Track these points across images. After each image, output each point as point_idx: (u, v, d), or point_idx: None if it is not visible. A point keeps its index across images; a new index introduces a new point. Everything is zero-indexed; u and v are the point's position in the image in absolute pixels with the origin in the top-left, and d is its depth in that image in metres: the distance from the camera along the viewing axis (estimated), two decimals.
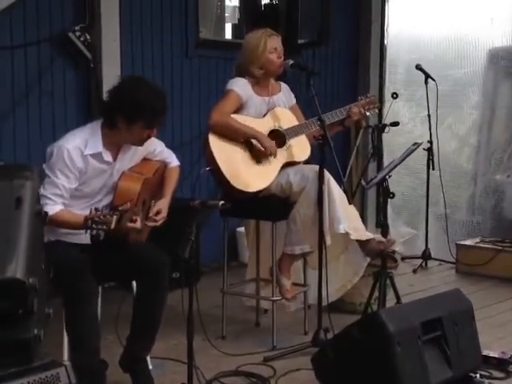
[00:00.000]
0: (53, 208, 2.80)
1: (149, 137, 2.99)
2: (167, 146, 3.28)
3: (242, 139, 3.57)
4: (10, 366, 2.03)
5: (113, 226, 2.56)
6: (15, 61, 4.20)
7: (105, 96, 2.96)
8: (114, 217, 2.57)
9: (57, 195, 2.85)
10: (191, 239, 2.60)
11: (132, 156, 3.08)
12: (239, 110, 3.62)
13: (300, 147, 3.71)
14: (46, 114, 4.36)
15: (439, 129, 5.26)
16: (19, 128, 4.25)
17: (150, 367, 3.09)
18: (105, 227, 2.55)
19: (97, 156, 2.93)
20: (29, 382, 2.02)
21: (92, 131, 2.95)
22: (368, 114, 3.89)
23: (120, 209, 2.63)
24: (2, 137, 4.18)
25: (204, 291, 3.43)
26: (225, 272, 3.76)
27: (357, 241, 3.58)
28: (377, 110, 4.07)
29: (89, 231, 2.62)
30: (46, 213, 2.38)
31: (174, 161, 3.29)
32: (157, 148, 3.21)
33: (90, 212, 2.62)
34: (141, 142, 3.01)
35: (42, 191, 2.79)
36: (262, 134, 3.58)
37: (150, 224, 3.05)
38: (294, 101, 3.88)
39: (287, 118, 3.72)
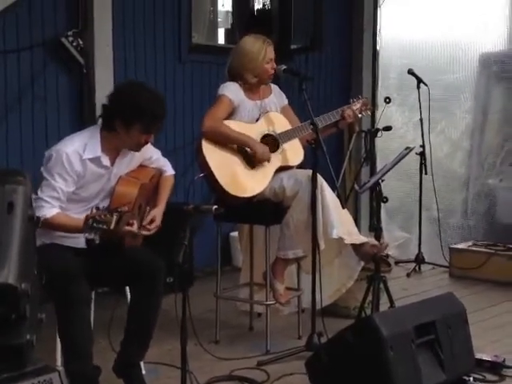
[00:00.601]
0: (50, 211, 2.81)
1: (146, 142, 2.99)
2: (160, 150, 3.28)
3: (235, 146, 3.58)
4: (2, 371, 2.03)
5: (112, 226, 2.56)
6: (8, 65, 4.19)
7: (105, 99, 2.97)
8: (114, 217, 2.58)
9: (54, 198, 2.84)
10: (185, 244, 2.60)
11: (129, 162, 3.08)
12: (231, 114, 3.62)
13: (293, 151, 3.71)
14: (38, 119, 4.35)
15: (432, 133, 5.28)
16: (12, 133, 4.24)
17: (144, 372, 3.08)
18: (105, 226, 2.55)
19: (95, 160, 2.94)
20: None
21: (91, 135, 2.96)
22: (360, 115, 3.89)
23: (119, 210, 2.64)
24: None
25: (197, 296, 3.43)
26: (218, 276, 3.76)
27: (351, 245, 3.59)
28: (369, 112, 4.07)
29: (86, 234, 2.62)
30: (39, 217, 2.38)
31: (169, 170, 3.29)
32: (153, 155, 3.21)
33: (91, 211, 2.63)
34: (138, 147, 3.01)
35: (39, 193, 2.81)
36: (254, 141, 3.58)
37: (144, 233, 3.05)
38: (285, 101, 3.88)
39: (281, 123, 3.72)
